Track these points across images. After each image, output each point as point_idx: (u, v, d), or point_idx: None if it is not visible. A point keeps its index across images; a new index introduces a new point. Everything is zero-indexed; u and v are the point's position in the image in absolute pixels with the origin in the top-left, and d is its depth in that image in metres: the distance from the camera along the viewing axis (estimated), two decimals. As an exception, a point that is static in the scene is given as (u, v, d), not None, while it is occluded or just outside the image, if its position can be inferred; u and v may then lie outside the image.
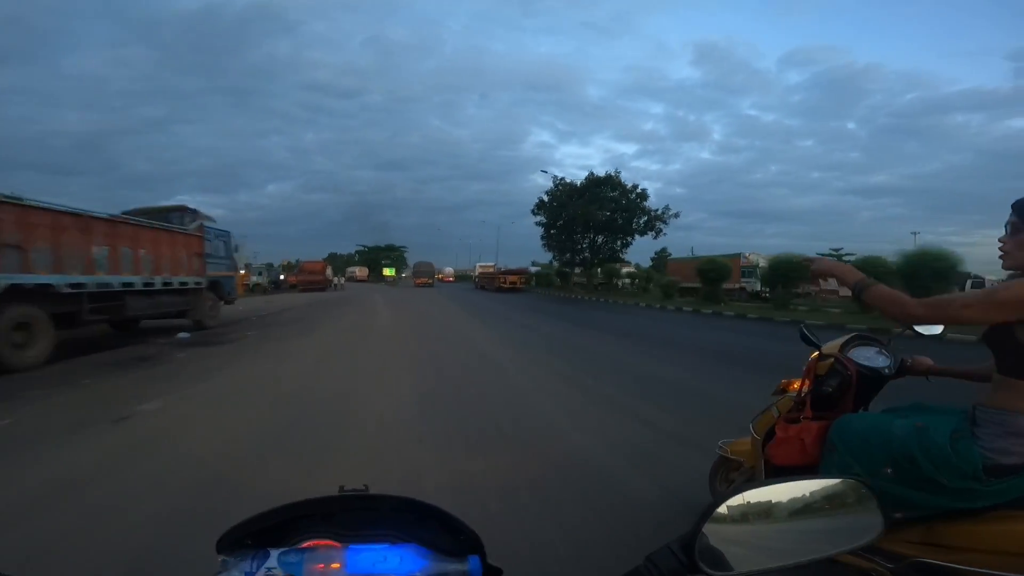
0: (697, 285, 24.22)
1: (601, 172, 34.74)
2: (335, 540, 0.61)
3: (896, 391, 2.06)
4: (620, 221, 33.67)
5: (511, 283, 37.76)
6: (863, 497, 0.71)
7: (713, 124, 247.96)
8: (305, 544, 0.60)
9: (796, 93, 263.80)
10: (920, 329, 1.97)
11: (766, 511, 0.65)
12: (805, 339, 2.16)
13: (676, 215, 33.52)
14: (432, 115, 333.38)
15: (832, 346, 2.11)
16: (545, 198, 37.10)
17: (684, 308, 20.84)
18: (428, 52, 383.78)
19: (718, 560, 0.59)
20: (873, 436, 1.67)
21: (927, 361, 2.05)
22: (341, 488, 0.66)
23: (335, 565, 0.58)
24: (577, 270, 38.15)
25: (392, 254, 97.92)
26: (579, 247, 36.20)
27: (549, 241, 37.40)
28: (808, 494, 0.68)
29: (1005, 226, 1.54)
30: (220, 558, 0.60)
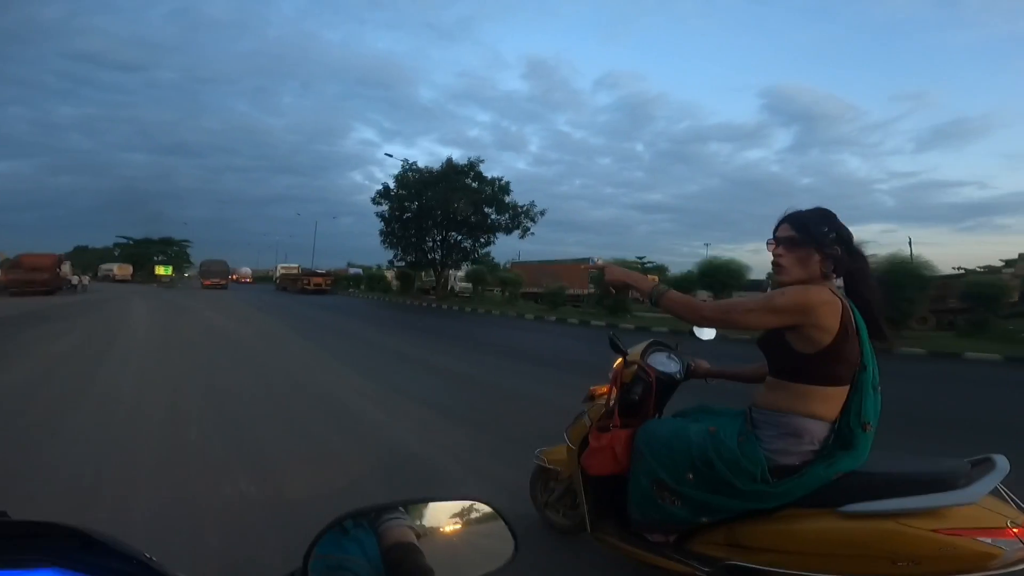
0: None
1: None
2: None
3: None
4: (481, 216, 28.52)
5: (316, 285, 35.70)
6: (494, 520, 0.68)
7: (532, 136, 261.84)
8: None
9: (603, 114, 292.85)
10: (697, 333, 2.00)
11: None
12: (613, 346, 2.15)
13: (542, 212, 29.23)
14: (240, 100, 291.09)
15: (635, 353, 2.10)
16: (391, 184, 30.19)
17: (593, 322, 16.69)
18: (247, 32, 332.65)
19: None
20: (675, 442, 1.70)
21: (706, 364, 2.16)
22: None
23: None
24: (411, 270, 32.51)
25: (169, 249, 78.89)
26: (428, 245, 30.20)
27: (391, 237, 30.59)
28: (446, 517, 0.64)
29: (774, 238, 1.61)
30: None
